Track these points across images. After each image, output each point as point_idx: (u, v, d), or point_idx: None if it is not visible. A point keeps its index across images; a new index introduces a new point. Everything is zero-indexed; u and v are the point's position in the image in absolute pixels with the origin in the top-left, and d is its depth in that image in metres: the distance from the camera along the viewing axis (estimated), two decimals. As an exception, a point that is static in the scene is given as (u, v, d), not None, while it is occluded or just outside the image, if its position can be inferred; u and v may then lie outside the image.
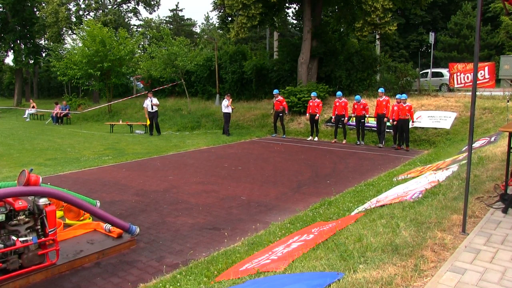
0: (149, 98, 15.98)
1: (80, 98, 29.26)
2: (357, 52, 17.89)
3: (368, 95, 16.25)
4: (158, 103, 16.38)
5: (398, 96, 11.82)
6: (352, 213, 5.12)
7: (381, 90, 12.54)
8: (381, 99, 12.26)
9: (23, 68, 32.98)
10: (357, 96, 12.95)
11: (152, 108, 15.91)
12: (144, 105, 16.29)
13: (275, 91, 14.87)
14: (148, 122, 16.18)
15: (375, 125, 12.81)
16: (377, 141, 12.78)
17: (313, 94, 14.10)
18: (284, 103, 14.71)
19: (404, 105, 11.37)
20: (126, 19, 37.87)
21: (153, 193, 7.18)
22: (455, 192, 4.59)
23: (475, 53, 3.41)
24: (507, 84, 16.24)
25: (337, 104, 13.14)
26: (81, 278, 4.08)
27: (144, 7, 37.30)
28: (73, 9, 32.42)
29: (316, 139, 13.99)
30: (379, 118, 12.30)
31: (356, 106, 12.78)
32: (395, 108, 11.58)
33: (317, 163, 9.99)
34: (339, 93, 13.45)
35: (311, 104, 13.89)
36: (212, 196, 7.01)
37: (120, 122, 18.80)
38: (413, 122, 11.74)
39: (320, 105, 13.93)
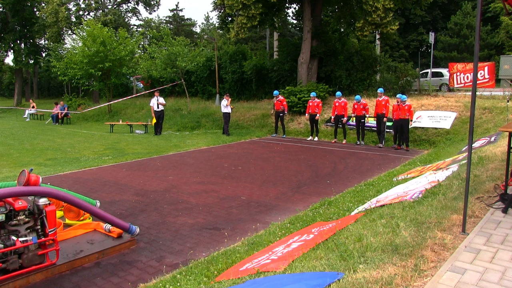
0: (155, 97, 16.06)
1: (80, 98, 29.26)
2: (357, 52, 17.90)
3: (368, 95, 16.26)
4: (164, 102, 16.47)
5: (398, 95, 11.81)
6: (352, 213, 5.12)
7: (380, 90, 12.54)
8: (380, 99, 12.26)
9: (23, 68, 32.99)
10: (357, 96, 12.94)
11: (158, 107, 15.98)
12: (150, 104, 16.35)
13: (275, 93, 14.88)
14: (154, 121, 16.20)
15: (375, 125, 12.81)
16: (377, 141, 12.78)
17: (313, 94, 14.09)
18: (284, 103, 14.71)
19: (404, 105, 11.36)
20: (126, 19, 37.88)
21: (153, 193, 7.18)
22: (455, 192, 4.59)
23: (475, 53, 3.41)
24: (507, 84, 16.24)
25: (337, 104, 13.13)
26: (81, 278, 4.08)
27: (144, 7, 37.32)
28: (73, 9, 32.43)
29: (316, 139, 13.99)
30: (379, 118, 12.31)
31: (356, 106, 12.76)
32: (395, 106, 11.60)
33: (317, 163, 9.99)
34: (338, 93, 13.42)
35: (310, 104, 13.89)
36: (212, 196, 7.01)
37: (120, 122, 18.80)
38: (411, 122, 11.73)
39: (320, 105, 13.91)
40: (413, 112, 12.11)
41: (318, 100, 13.92)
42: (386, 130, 12.59)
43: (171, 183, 7.95)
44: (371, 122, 13.42)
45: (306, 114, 14.23)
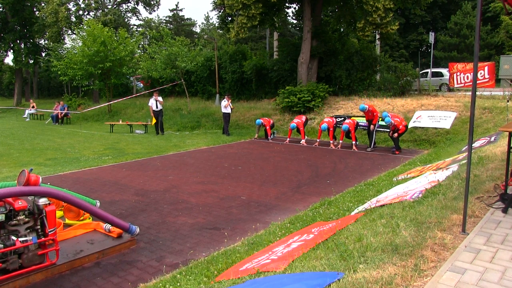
0: (154, 97, 16.10)
1: (80, 98, 29.28)
2: (357, 52, 17.90)
3: (368, 95, 16.25)
4: (161, 100, 16.51)
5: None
6: (352, 213, 5.12)
7: (361, 108, 11.94)
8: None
9: (23, 68, 32.98)
10: (345, 126, 12.44)
11: (157, 107, 16.01)
12: (149, 104, 16.36)
13: (258, 122, 14.43)
14: (154, 121, 16.22)
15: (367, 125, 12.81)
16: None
17: (292, 126, 13.41)
18: (268, 127, 14.30)
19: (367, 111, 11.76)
20: (126, 19, 37.87)
21: (153, 193, 7.18)
22: (455, 192, 4.58)
23: (475, 53, 3.41)
24: (507, 84, 16.24)
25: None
26: (81, 278, 4.08)
27: (144, 7, 37.29)
28: (73, 9, 32.41)
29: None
30: (369, 123, 12.25)
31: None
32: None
33: (317, 163, 9.99)
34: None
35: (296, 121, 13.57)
36: (212, 196, 7.01)
37: (120, 122, 18.80)
38: (373, 125, 12.05)
39: (303, 119, 13.68)
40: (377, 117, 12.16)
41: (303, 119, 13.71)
42: (380, 129, 12.67)
43: (171, 183, 7.95)
44: (363, 121, 13.38)
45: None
